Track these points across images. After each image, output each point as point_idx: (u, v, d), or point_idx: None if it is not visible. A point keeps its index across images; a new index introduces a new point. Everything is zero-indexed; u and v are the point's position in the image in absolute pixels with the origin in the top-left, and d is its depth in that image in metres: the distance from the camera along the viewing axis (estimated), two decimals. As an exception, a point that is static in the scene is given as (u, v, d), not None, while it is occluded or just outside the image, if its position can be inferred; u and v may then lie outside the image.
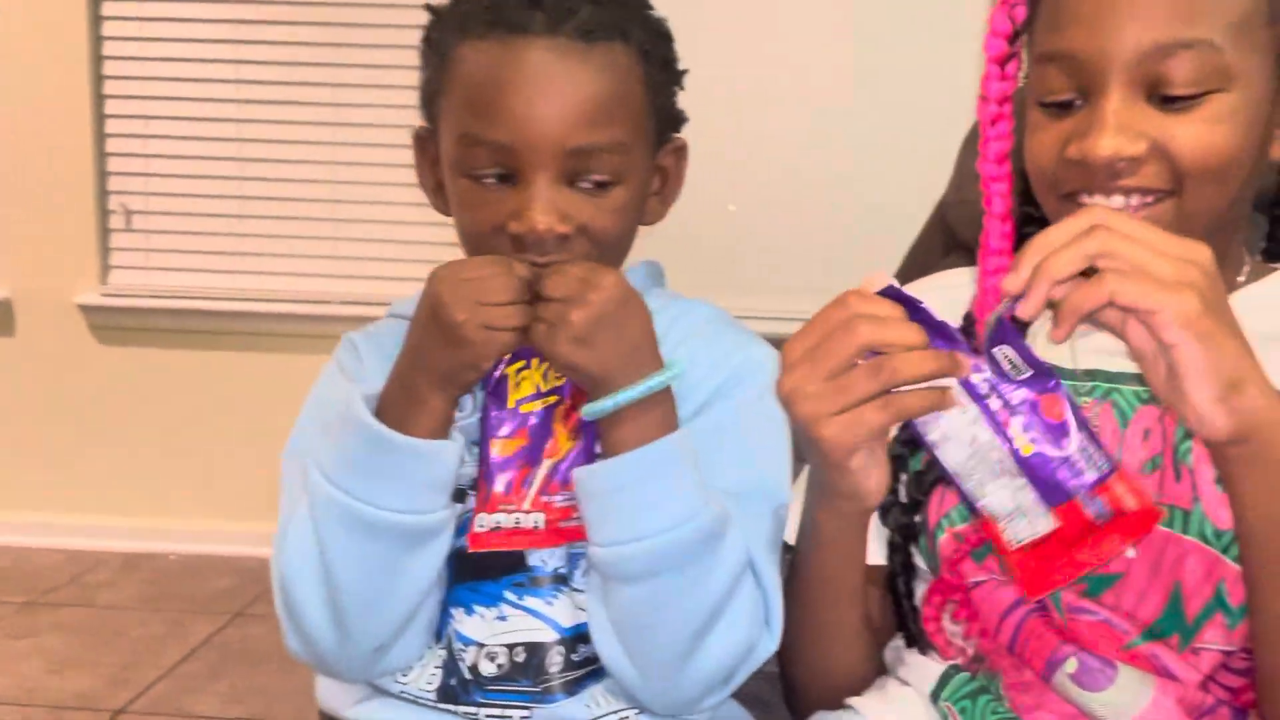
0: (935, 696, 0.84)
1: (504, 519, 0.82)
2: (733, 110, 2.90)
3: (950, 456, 0.72)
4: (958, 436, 0.71)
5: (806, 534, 0.86)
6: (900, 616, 0.87)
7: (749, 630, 0.83)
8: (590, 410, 0.80)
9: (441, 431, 0.81)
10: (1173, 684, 0.76)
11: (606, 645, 0.82)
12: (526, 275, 0.80)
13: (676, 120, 0.94)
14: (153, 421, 3.14)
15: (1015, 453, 0.70)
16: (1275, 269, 0.85)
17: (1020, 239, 0.88)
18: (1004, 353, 0.71)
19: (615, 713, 0.86)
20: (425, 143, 0.92)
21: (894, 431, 0.77)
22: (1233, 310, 0.81)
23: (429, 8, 0.90)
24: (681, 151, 0.94)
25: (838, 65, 2.90)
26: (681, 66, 0.93)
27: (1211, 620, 0.75)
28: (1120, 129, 0.73)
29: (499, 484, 0.82)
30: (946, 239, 1.89)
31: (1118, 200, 0.75)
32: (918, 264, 1.95)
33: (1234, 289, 0.82)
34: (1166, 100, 0.73)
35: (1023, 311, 0.65)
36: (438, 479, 0.81)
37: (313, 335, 3.01)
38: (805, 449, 0.76)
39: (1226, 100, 0.73)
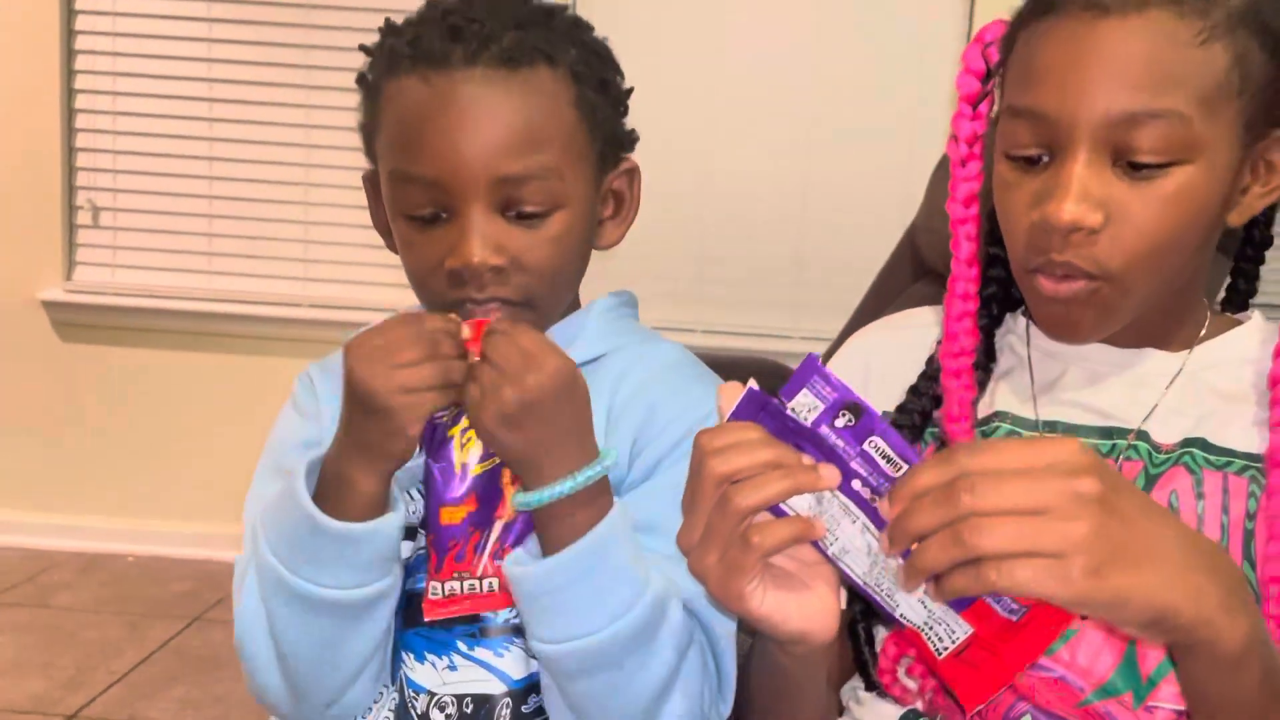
0: None
1: (457, 586, 0.80)
2: (705, 124, 2.91)
3: (854, 569, 0.68)
4: (854, 547, 0.67)
5: (762, 642, 0.84)
6: (859, 662, 0.87)
7: (701, 693, 0.83)
8: (518, 502, 0.77)
9: (378, 508, 0.78)
10: None
11: (559, 716, 0.81)
12: (450, 328, 0.77)
13: (623, 141, 0.92)
14: (115, 421, 3.10)
15: (908, 551, 0.64)
16: (1235, 322, 0.85)
17: (987, 280, 0.88)
18: (874, 445, 0.66)
19: None
20: (374, 184, 0.91)
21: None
22: (1195, 364, 0.82)
23: (363, 47, 0.89)
24: (634, 173, 0.93)
25: (812, 78, 2.90)
26: (626, 85, 0.91)
27: (1166, 679, 0.74)
28: (1082, 196, 0.73)
29: (449, 552, 0.80)
30: (916, 263, 1.90)
31: (1064, 288, 0.75)
32: (888, 286, 1.96)
33: (1195, 343, 0.83)
34: (1132, 167, 0.73)
35: (888, 551, 0.64)
36: (375, 556, 0.78)
37: (281, 339, 2.99)
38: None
39: (1189, 173, 0.73)
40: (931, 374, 0.87)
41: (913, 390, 0.87)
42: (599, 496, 0.78)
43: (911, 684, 0.84)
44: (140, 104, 3.02)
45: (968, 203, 0.84)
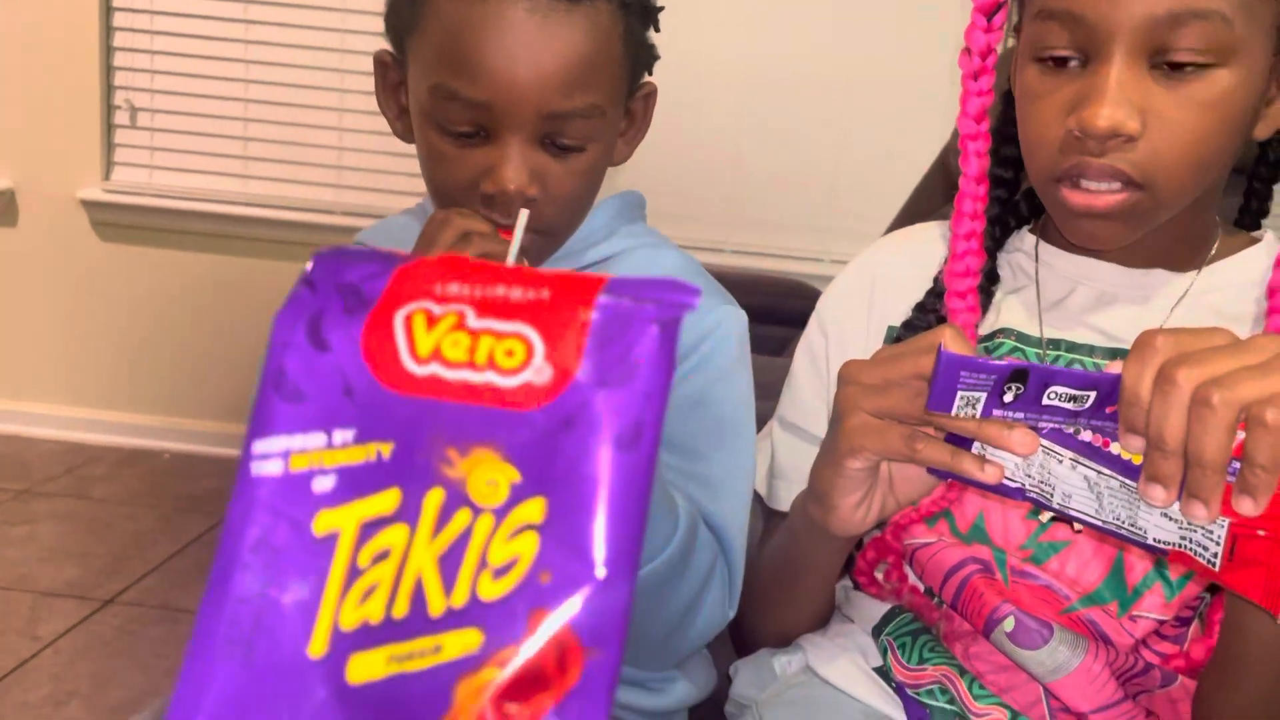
0: (877, 632, 0.85)
1: None
2: (742, 39, 2.87)
3: (1086, 513, 0.63)
4: (1075, 489, 0.63)
5: (784, 535, 0.86)
6: (848, 564, 0.88)
7: (722, 610, 0.86)
8: None
9: None
10: (1105, 647, 0.77)
11: None
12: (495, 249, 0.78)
13: (649, 61, 0.91)
14: (152, 320, 3.15)
15: (1130, 467, 0.61)
16: (1249, 242, 0.84)
17: (991, 201, 0.86)
18: (1054, 395, 0.61)
19: None
20: (387, 69, 0.90)
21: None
22: (1202, 285, 0.81)
23: None
24: (651, 96, 0.93)
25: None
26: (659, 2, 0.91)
27: (1151, 590, 0.75)
28: (1120, 101, 0.71)
29: None
30: (948, 184, 1.88)
31: (1100, 201, 0.73)
32: (920, 207, 1.96)
33: (1204, 264, 0.82)
34: (1171, 67, 0.71)
35: (1164, 501, 0.58)
36: None
37: (314, 244, 3.01)
38: (828, 435, 0.74)
39: (1225, 78, 0.71)
40: (938, 291, 0.87)
41: (919, 307, 0.88)
42: None
43: (888, 585, 0.85)
44: (177, 3, 3.01)
45: (979, 118, 0.83)
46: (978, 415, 0.62)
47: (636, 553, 0.35)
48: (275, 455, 0.36)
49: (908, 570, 0.85)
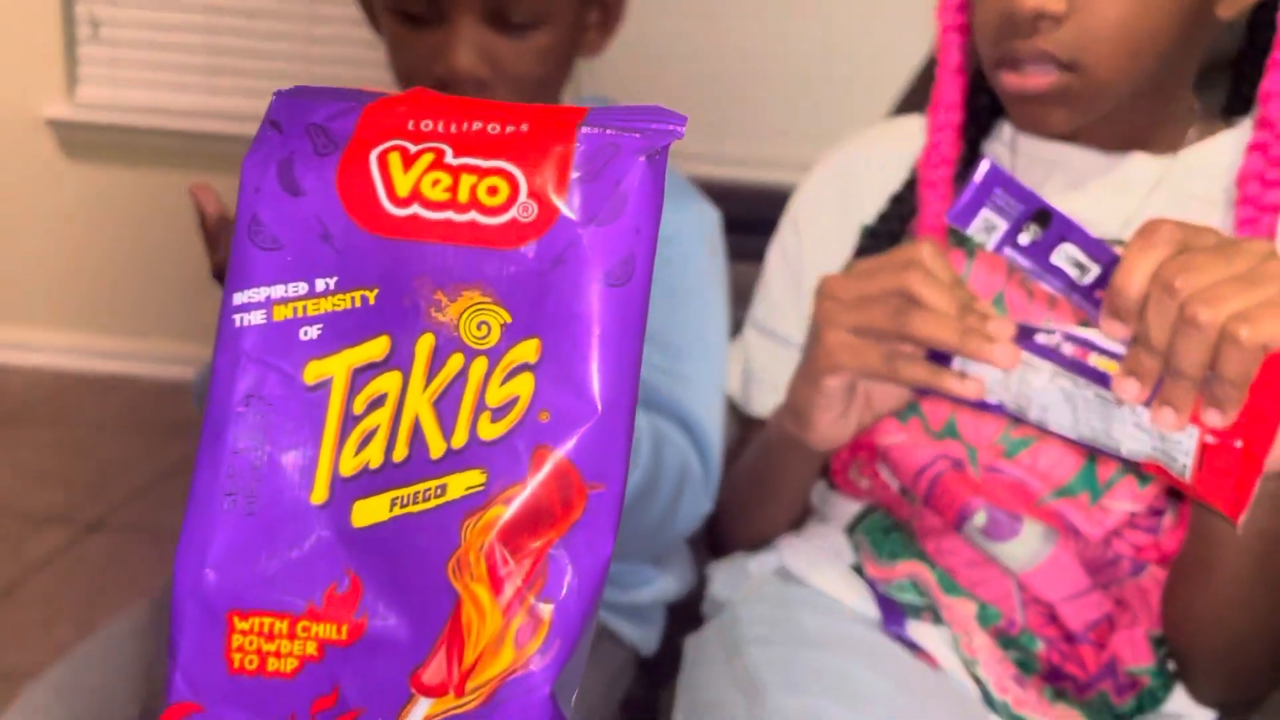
0: (850, 530, 0.86)
1: None
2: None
3: (1062, 426, 0.63)
4: (1052, 402, 0.63)
5: (761, 446, 0.87)
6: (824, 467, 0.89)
7: (698, 508, 0.88)
8: None
9: None
10: (1075, 538, 0.77)
11: None
12: None
13: None
14: (126, 242, 3.11)
15: (1106, 379, 0.61)
16: (1222, 128, 0.83)
17: (976, 91, 0.86)
18: (1064, 254, 0.61)
19: None
20: None
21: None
22: (1179, 169, 0.80)
23: None
24: None
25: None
26: None
27: (1123, 481, 0.76)
28: None
29: None
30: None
31: (1030, 82, 0.73)
32: (918, 94, 1.93)
33: (1179, 148, 0.81)
34: None
35: (1139, 398, 0.59)
36: None
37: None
38: (805, 352, 0.75)
39: None
40: (913, 181, 0.87)
41: (895, 198, 0.87)
42: None
43: (863, 481, 0.86)
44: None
45: (959, 8, 0.83)
46: (989, 246, 0.62)
47: (633, 388, 0.34)
48: (257, 306, 0.35)
49: (880, 468, 0.85)
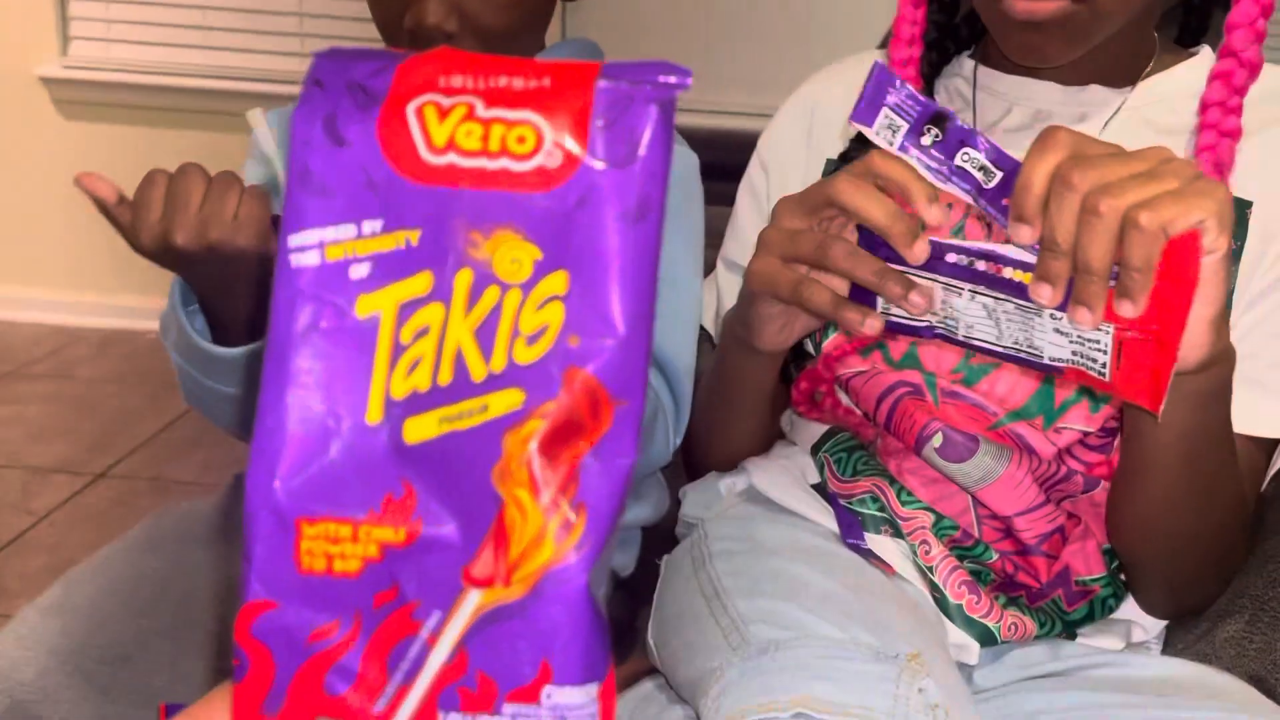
0: (815, 450, 0.88)
1: None
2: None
3: (987, 340, 0.65)
4: (975, 319, 0.64)
5: (718, 353, 0.89)
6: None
7: (665, 448, 0.91)
8: None
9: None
10: (1029, 456, 0.80)
11: None
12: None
13: None
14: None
15: (1023, 290, 0.62)
16: (1180, 58, 0.85)
17: (930, 26, 0.86)
18: (967, 158, 0.62)
19: None
20: None
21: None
22: (1137, 100, 0.82)
23: None
24: None
25: None
26: None
27: (1077, 405, 0.78)
28: None
29: None
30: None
31: (1040, 6, 0.73)
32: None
33: (1141, 78, 0.83)
34: None
35: (1051, 300, 0.60)
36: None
37: (280, 115, 2.97)
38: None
39: None
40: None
41: (857, 137, 0.88)
42: None
43: (826, 411, 0.89)
44: None
45: None
46: (895, 146, 0.64)
47: (650, 314, 0.38)
48: (311, 247, 0.39)
49: (841, 395, 0.87)
